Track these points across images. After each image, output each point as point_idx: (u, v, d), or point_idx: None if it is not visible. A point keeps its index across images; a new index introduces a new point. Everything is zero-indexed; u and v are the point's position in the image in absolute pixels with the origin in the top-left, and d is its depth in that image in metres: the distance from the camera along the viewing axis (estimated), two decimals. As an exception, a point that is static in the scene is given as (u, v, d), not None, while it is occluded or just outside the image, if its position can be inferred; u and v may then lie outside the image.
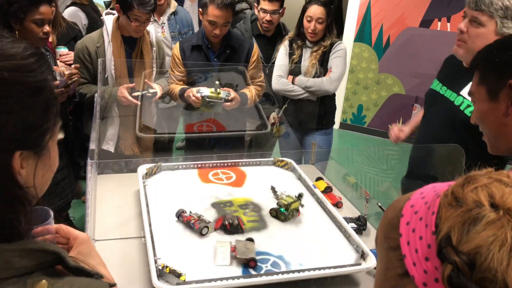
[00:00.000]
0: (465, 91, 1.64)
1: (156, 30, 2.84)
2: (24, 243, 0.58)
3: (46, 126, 0.62)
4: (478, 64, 1.01)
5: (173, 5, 2.96)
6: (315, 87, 2.54)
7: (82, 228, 1.39)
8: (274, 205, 1.69)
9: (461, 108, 1.66)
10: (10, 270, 0.55)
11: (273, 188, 1.83)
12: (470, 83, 1.61)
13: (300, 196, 1.74)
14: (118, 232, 1.56)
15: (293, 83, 2.58)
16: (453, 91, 1.73)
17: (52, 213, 0.78)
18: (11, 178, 0.57)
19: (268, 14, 2.67)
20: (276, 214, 1.66)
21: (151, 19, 2.30)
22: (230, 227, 1.54)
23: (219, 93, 2.24)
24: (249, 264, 1.36)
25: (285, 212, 1.62)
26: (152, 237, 1.41)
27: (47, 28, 1.91)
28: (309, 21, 2.50)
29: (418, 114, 2.11)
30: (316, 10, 2.48)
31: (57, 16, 2.45)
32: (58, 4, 2.59)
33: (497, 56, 0.96)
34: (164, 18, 2.91)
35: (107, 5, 4.21)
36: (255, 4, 2.73)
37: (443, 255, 0.47)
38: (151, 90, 2.26)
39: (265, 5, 2.66)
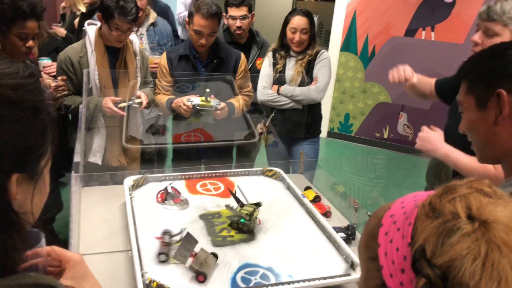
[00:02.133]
0: None
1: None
2: (18, 278, 0.56)
3: (42, 149, 0.60)
4: (466, 74, 1.01)
5: (152, 16, 2.94)
6: (302, 95, 2.54)
7: (66, 241, 1.37)
8: (263, 216, 1.68)
9: None
10: None
11: (227, 206, 1.70)
12: None
13: (258, 204, 1.66)
14: (104, 245, 1.53)
15: (278, 92, 2.58)
16: None
17: (43, 236, 0.75)
18: (7, 202, 0.55)
19: (238, 20, 2.69)
20: (237, 226, 1.60)
21: (134, 29, 2.29)
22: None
23: (209, 102, 2.23)
24: (197, 277, 1.32)
25: (247, 222, 1.58)
26: (139, 250, 1.39)
27: (30, 42, 1.88)
28: (293, 32, 2.51)
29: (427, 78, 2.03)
30: (299, 21, 2.49)
31: (39, 27, 2.42)
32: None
33: (485, 65, 0.96)
34: (142, 29, 2.89)
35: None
36: (224, 13, 2.73)
37: (417, 267, 0.46)
38: (136, 100, 2.23)
39: (232, 11, 2.69)
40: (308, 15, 2.52)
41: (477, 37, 1.60)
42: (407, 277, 0.48)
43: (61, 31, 3.25)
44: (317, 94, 2.54)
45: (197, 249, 1.39)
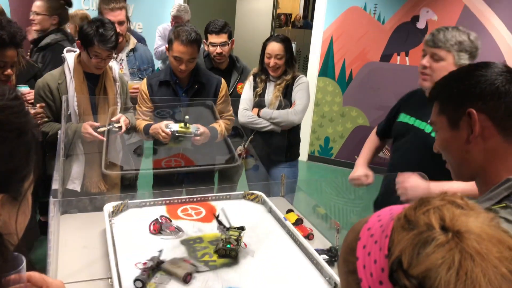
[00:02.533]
0: None
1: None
2: None
3: (26, 171, 0.60)
4: (437, 95, 1.05)
5: (132, 42, 2.96)
6: (280, 118, 2.57)
7: (43, 269, 1.33)
8: (246, 239, 1.67)
9: (432, 135, 1.76)
10: None
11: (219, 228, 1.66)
12: None
13: (241, 228, 1.65)
14: (83, 273, 1.49)
15: (258, 115, 2.61)
16: (422, 120, 1.85)
17: (24, 260, 0.74)
18: None
19: (218, 46, 2.72)
20: (225, 252, 1.58)
21: (113, 56, 2.29)
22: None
23: (188, 128, 2.23)
24: (186, 278, 1.42)
25: (235, 247, 1.56)
26: (119, 278, 1.36)
27: (9, 71, 1.86)
28: (268, 58, 2.57)
29: (367, 144, 2.19)
30: (274, 47, 2.55)
31: (18, 55, 2.40)
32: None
33: (454, 86, 1.00)
34: (122, 55, 2.90)
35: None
36: (204, 40, 2.76)
37: (394, 278, 0.47)
38: (116, 125, 2.22)
39: (212, 38, 2.72)
40: (283, 41, 2.58)
41: (425, 61, 1.78)
42: None
43: None
44: (295, 116, 2.58)
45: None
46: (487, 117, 0.94)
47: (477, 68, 0.99)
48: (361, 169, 2.05)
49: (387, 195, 1.98)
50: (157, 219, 1.77)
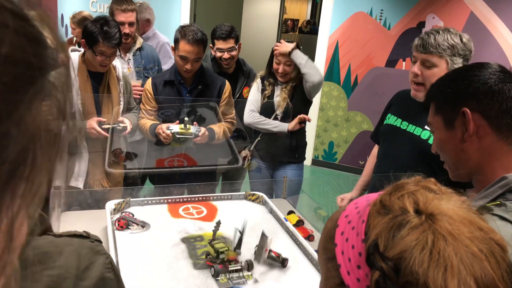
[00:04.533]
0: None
1: (122, 66, 2.85)
2: None
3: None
4: (433, 96, 1.07)
5: (139, 41, 2.99)
6: (314, 68, 2.55)
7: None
8: (246, 238, 1.67)
9: (429, 141, 1.71)
10: None
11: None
12: None
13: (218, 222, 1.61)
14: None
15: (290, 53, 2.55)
16: (416, 125, 1.79)
17: None
18: None
19: (225, 52, 2.71)
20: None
21: (117, 54, 2.32)
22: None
23: (188, 129, 2.24)
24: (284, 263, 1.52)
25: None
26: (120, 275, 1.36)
27: None
28: (277, 64, 2.56)
29: (368, 162, 2.19)
30: (284, 54, 2.54)
31: None
32: None
33: (449, 87, 1.02)
34: (129, 55, 2.93)
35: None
36: (211, 45, 2.76)
37: (371, 261, 0.48)
38: (121, 124, 2.24)
39: (220, 44, 2.69)
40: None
41: (416, 68, 1.68)
42: (363, 273, 0.50)
43: None
44: (320, 72, 2.57)
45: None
46: (481, 116, 0.96)
47: (471, 69, 1.01)
48: (350, 193, 2.11)
49: None
50: (121, 216, 1.76)
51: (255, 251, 1.59)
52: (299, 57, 2.51)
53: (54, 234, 0.61)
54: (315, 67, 2.56)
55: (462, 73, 1.02)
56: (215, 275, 1.44)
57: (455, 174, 1.05)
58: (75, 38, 3.69)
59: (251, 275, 1.49)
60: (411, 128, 1.81)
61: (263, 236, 1.54)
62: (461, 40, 1.64)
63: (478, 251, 0.47)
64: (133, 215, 1.80)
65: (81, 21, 3.92)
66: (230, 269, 1.46)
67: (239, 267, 1.47)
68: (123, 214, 1.79)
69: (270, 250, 1.56)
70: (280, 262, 1.55)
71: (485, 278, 0.45)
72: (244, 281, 1.45)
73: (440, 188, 0.54)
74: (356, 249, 0.51)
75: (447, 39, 1.61)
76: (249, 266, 1.50)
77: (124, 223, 1.73)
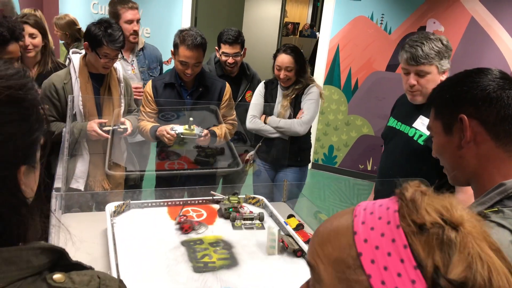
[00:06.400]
0: (416, 124, 1.86)
1: (126, 68, 2.86)
2: (34, 244, 0.62)
3: (39, 142, 0.66)
4: (433, 100, 1.07)
5: (141, 41, 2.99)
6: (285, 128, 2.58)
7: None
8: (246, 242, 1.67)
9: (415, 138, 1.84)
10: (29, 269, 0.58)
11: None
12: (420, 116, 1.83)
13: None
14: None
15: (265, 122, 2.62)
16: (407, 124, 1.91)
17: None
18: (18, 188, 0.61)
19: (230, 57, 2.72)
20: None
21: (119, 56, 2.33)
22: None
23: (192, 130, 2.25)
24: (297, 254, 1.66)
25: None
26: (119, 277, 1.36)
27: (15, 64, 1.89)
28: (278, 70, 2.57)
29: None
30: (284, 59, 2.54)
31: (47, 54, 2.46)
32: (49, 41, 2.63)
33: (448, 92, 1.02)
34: (133, 56, 2.93)
35: (66, 47, 4.24)
36: (216, 47, 2.77)
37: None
38: (122, 126, 2.24)
39: (226, 49, 2.70)
40: (293, 52, 2.56)
41: (412, 80, 1.79)
42: None
43: None
44: (300, 127, 2.58)
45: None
46: (479, 123, 0.95)
47: (471, 74, 1.00)
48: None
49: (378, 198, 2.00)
50: (183, 219, 1.82)
51: (270, 245, 1.68)
52: (274, 123, 2.60)
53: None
54: (292, 123, 2.59)
55: (462, 78, 1.01)
56: (232, 220, 1.89)
57: (453, 179, 1.06)
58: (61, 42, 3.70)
59: (261, 224, 1.90)
60: (403, 128, 1.92)
61: (272, 230, 1.68)
62: (442, 43, 1.75)
63: (492, 244, 0.49)
64: (186, 217, 1.86)
65: (66, 25, 3.95)
66: (244, 217, 1.89)
67: (252, 217, 1.90)
68: (182, 217, 1.84)
69: (282, 241, 1.69)
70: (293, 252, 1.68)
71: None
72: (253, 226, 1.88)
73: (426, 188, 0.55)
74: (406, 277, 0.48)
75: (433, 47, 1.73)
76: (261, 217, 1.92)
77: (189, 226, 1.77)
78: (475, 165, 0.98)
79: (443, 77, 1.77)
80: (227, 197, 2.00)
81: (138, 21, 2.87)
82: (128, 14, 2.80)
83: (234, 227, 1.87)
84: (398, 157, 1.92)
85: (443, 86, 1.05)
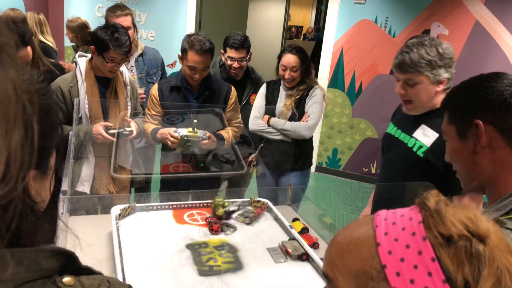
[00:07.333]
0: (417, 133, 1.75)
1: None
2: (45, 246, 0.60)
3: (52, 148, 0.65)
4: (447, 105, 1.05)
5: (140, 46, 2.97)
6: (291, 131, 2.58)
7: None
8: (251, 245, 1.67)
9: (414, 149, 1.74)
10: (39, 272, 0.57)
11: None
12: (422, 125, 1.74)
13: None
14: (88, 275, 1.50)
15: (268, 123, 2.62)
16: (407, 133, 1.81)
17: None
18: (28, 193, 0.60)
19: (236, 61, 2.72)
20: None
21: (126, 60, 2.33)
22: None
23: (196, 132, 2.25)
24: (303, 257, 1.65)
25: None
26: (124, 280, 1.36)
27: None
28: (284, 70, 2.57)
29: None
30: (289, 60, 2.55)
31: (35, 57, 2.45)
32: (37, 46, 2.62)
33: (463, 97, 1.00)
34: (132, 61, 2.92)
35: (75, 49, 4.27)
36: (222, 51, 2.78)
37: None
38: (127, 129, 2.25)
39: (232, 53, 2.71)
40: (298, 52, 2.57)
41: (399, 89, 1.68)
42: None
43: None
44: (306, 131, 2.58)
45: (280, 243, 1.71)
46: (494, 128, 0.94)
47: (487, 79, 0.98)
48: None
49: (378, 207, 1.99)
50: (211, 220, 1.85)
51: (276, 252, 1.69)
52: (279, 125, 2.59)
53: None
54: (298, 127, 2.59)
55: (477, 83, 1.00)
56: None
57: (467, 184, 1.04)
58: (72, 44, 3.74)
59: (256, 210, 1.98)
60: (403, 137, 1.83)
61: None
62: (437, 51, 1.58)
63: None
64: (221, 218, 1.91)
65: (78, 28, 3.99)
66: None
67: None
68: (208, 219, 1.88)
69: (286, 251, 1.69)
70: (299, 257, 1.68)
71: None
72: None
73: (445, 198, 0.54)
74: None
75: (423, 55, 1.58)
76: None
77: (218, 227, 1.81)
78: (490, 171, 0.97)
79: (440, 88, 1.63)
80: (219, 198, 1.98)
81: (127, 28, 2.83)
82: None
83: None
84: (397, 170, 1.83)
85: (458, 90, 1.04)
